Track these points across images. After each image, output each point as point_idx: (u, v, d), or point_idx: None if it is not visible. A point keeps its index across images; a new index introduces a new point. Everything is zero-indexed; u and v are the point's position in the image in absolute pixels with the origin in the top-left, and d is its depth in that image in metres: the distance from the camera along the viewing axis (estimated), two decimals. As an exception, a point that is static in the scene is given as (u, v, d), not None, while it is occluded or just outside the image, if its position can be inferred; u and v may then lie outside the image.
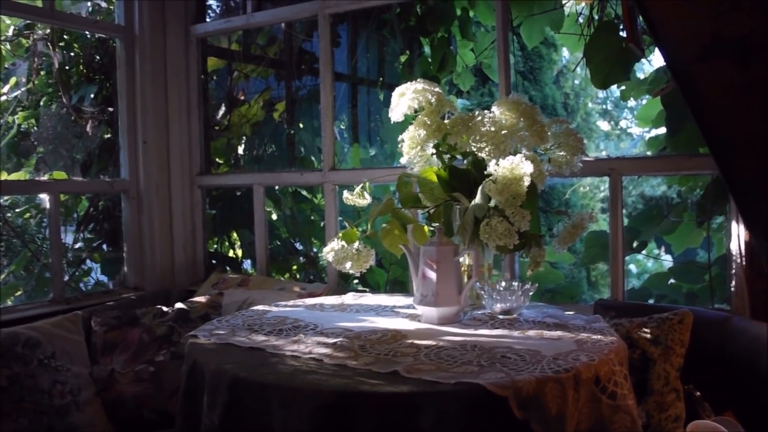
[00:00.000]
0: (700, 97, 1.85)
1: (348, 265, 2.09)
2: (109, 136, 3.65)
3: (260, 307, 2.31)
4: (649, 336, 2.11)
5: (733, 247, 2.41)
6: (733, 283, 2.42)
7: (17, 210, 3.71)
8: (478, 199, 1.93)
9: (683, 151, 2.71)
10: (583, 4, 3.10)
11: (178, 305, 2.84)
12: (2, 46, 3.66)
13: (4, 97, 3.72)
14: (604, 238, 2.86)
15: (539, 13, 3.18)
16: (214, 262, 3.87)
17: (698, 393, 2.09)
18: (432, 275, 1.97)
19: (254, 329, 1.95)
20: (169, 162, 3.58)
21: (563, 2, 3.16)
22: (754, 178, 1.87)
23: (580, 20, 3.12)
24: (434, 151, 2.15)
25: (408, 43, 3.89)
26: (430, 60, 3.59)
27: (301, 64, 4.01)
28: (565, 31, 3.23)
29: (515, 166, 1.84)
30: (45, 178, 3.36)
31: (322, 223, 3.74)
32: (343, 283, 3.42)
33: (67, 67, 3.71)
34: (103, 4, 3.72)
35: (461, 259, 2.06)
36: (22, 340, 2.40)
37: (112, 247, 3.69)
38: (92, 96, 3.62)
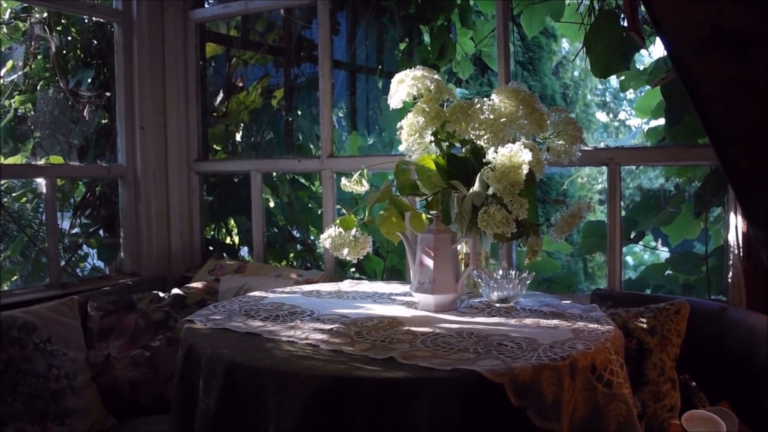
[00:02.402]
0: (699, 88, 1.84)
1: (345, 251, 2.09)
2: (106, 121, 3.64)
3: (257, 293, 2.31)
4: (645, 326, 2.11)
5: (731, 238, 2.41)
6: (730, 274, 2.43)
7: (14, 194, 3.69)
8: (476, 186, 1.93)
9: (682, 142, 2.71)
10: (584, -7, 3.09)
11: (175, 291, 2.84)
12: (-1, 30, 3.64)
13: (0, 81, 3.70)
14: (602, 228, 2.86)
15: (540, 2, 3.17)
16: (210, 248, 3.87)
17: (694, 383, 2.09)
18: (429, 263, 1.97)
19: (251, 315, 1.95)
20: (167, 148, 3.57)
21: (563, -9, 3.15)
22: (754, 169, 1.87)
23: (581, 9, 3.10)
24: (433, 138, 2.15)
25: (407, 30, 3.87)
26: (429, 48, 3.58)
27: (300, 51, 3.99)
28: (565, 20, 3.21)
29: (514, 154, 1.83)
30: (42, 162, 3.35)
31: (319, 211, 3.74)
32: (340, 271, 3.42)
33: (64, 52, 3.69)
34: (101, -12, 3.70)
35: (459, 247, 2.06)
36: (18, 324, 2.39)
37: (108, 233, 3.68)
38: (89, 81, 3.60)
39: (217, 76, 4.11)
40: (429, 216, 2.11)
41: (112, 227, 3.63)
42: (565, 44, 8.58)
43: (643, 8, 2.22)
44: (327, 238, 2.10)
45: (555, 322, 1.83)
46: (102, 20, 3.59)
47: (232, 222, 4.10)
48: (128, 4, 3.42)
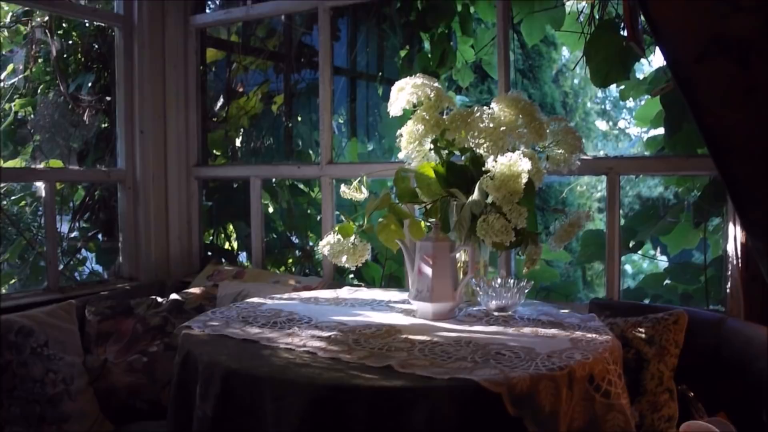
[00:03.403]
0: (700, 97, 1.84)
1: (344, 258, 2.08)
2: (106, 125, 3.64)
3: (255, 300, 2.31)
4: (643, 336, 2.11)
5: (730, 248, 2.41)
6: (729, 284, 2.42)
7: (13, 198, 3.69)
8: (475, 195, 1.93)
9: (681, 152, 2.71)
10: (584, 3, 3.09)
11: (173, 296, 2.84)
12: (0, 33, 3.64)
13: (1, 84, 3.70)
14: (601, 237, 2.86)
15: (540, 11, 3.17)
16: (209, 253, 3.86)
17: (692, 393, 2.09)
18: (428, 271, 1.97)
19: (248, 321, 1.94)
20: (166, 152, 3.57)
21: (564, 0, 3.15)
22: (753, 179, 1.87)
23: (581, 19, 3.11)
24: (432, 146, 2.15)
25: (408, 38, 3.88)
26: (429, 55, 3.58)
27: (301, 58, 4.00)
28: (565, 29, 3.22)
29: (513, 163, 1.83)
30: (41, 166, 3.34)
31: (318, 217, 3.74)
32: (339, 278, 3.41)
33: (65, 55, 3.69)
34: (103, -7, 3.70)
35: (457, 256, 2.06)
36: (16, 328, 2.39)
37: (107, 237, 3.67)
38: (90, 85, 3.60)
39: (218, 81, 4.11)
40: (428, 224, 2.11)
41: (111, 232, 3.63)
42: (565, 52, 8.59)
43: (643, 18, 2.23)
44: (326, 244, 2.10)
45: (553, 331, 1.83)
46: (103, 24, 3.59)
47: (231, 227, 4.09)
48: (129, 8, 3.42)
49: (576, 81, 9.46)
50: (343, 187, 2.21)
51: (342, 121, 4.41)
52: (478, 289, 2.08)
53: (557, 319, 1.98)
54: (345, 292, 2.44)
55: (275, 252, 4.03)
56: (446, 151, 2.15)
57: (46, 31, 3.60)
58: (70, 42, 3.72)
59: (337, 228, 2.11)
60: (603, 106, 11.13)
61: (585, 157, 2.47)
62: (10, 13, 3.63)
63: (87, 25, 3.69)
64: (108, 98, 3.59)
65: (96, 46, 3.73)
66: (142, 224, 3.47)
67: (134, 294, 2.95)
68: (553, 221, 2.09)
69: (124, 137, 3.44)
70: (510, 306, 2.04)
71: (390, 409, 1.39)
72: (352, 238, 2.10)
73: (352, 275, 3.69)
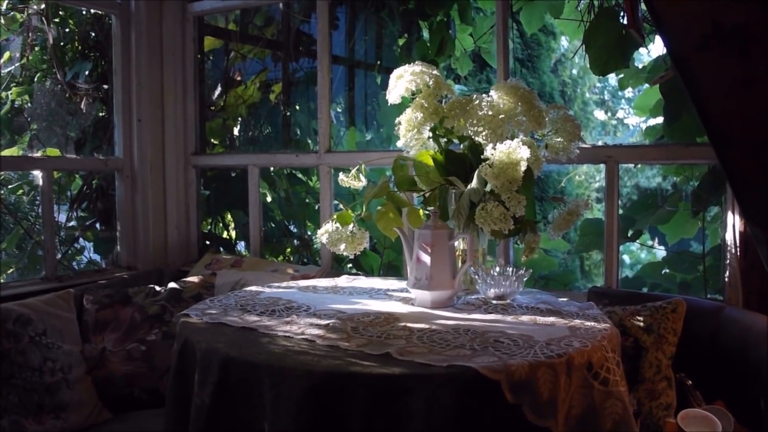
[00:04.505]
0: (700, 86, 1.84)
1: (342, 246, 2.08)
2: (103, 113, 3.63)
3: (253, 288, 2.31)
4: (641, 324, 2.11)
5: (728, 237, 2.40)
6: (727, 273, 2.42)
7: (10, 187, 3.68)
8: (474, 183, 1.92)
9: (680, 140, 2.71)
10: (584, -10, 3.08)
11: (171, 285, 2.83)
12: (-4, 21, 3.62)
13: (-3, 72, 3.69)
14: (599, 226, 2.86)
15: (539, -1, 3.16)
16: (207, 242, 3.86)
17: (689, 381, 2.09)
18: (426, 259, 1.97)
19: (247, 309, 1.94)
20: (164, 141, 3.56)
21: (564, -13, 3.14)
22: (753, 168, 1.87)
23: (581, 6, 3.10)
24: (431, 134, 2.14)
25: (406, 26, 3.86)
26: (428, 44, 3.57)
27: (299, 46, 3.98)
28: (564, 17, 3.20)
29: (512, 151, 1.83)
30: (38, 155, 3.33)
31: (316, 206, 3.73)
32: (337, 266, 3.41)
33: (61, 43, 3.67)
34: (100, -20, 3.68)
35: (456, 244, 2.06)
36: (14, 316, 2.39)
37: (105, 226, 3.67)
38: (87, 73, 3.59)
39: (215, 69, 4.10)
40: (426, 212, 2.10)
41: (109, 220, 3.62)
42: (564, 42, 8.56)
43: (643, 5, 2.22)
44: (324, 233, 2.10)
45: (551, 319, 1.83)
46: (100, 12, 3.57)
47: (229, 216, 4.09)
48: (126, -4, 3.41)
49: (575, 71, 9.43)
50: (341, 176, 2.21)
51: (340, 110, 4.40)
52: (476, 277, 2.08)
53: (556, 307, 1.98)
54: (343, 281, 2.44)
55: (273, 241, 4.03)
56: (445, 139, 2.14)
57: (43, 18, 3.58)
58: (67, 30, 3.70)
59: (335, 216, 2.11)
60: (602, 96, 11.10)
61: (584, 146, 2.46)
62: (6, 1, 3.60)
63: (84, 12, 3.67)
64: (105, 86, 3.58)
65: (93, 34, 3.71)
66: (140, 213, 3.47)
67: (132, 283, 2.94)
68: (552, 210, 2.09)
69: (122, 126, 3.43)
70: (508, 294, 2.04)
71: (388, 397, 1.39)
72: (351, 226, 2.09)
73: (350, 264, 3.69)
